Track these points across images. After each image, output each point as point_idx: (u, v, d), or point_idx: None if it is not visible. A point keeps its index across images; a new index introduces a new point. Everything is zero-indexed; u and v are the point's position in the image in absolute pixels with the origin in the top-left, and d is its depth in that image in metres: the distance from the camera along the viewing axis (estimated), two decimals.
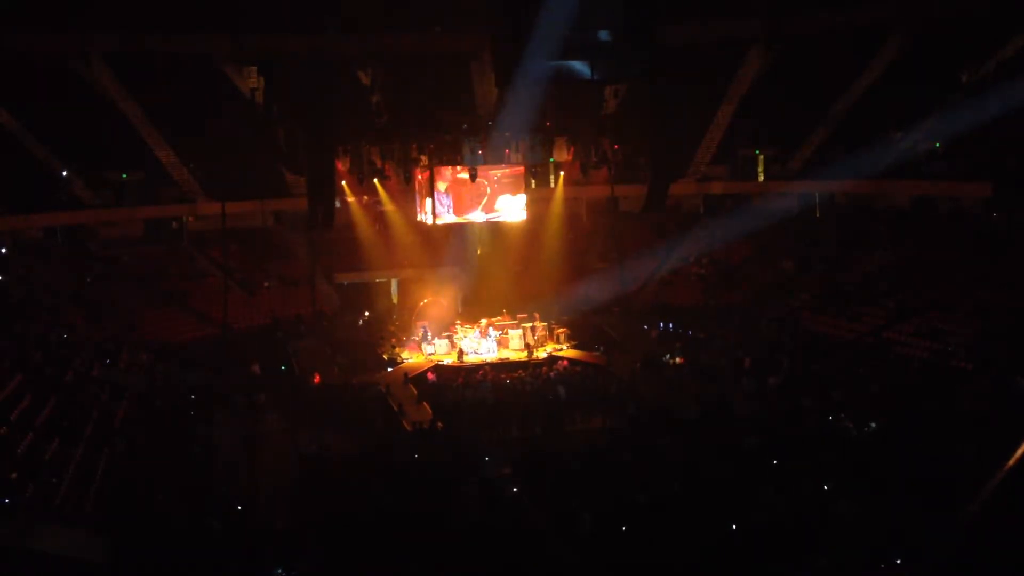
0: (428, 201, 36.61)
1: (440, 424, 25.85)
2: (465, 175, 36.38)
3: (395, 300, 42.47)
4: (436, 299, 36.19)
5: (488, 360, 32.86)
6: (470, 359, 32.94)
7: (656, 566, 16.09)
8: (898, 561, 14.89)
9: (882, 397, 25.60)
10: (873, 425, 23.52)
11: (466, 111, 41.21)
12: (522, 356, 33.20)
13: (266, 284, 40.49)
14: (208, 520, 18.86)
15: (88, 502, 19.88)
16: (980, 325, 28.58)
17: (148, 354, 33.11)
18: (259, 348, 34.10)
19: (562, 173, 41.63)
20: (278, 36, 38.45)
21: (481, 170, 36.39)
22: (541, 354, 33.41)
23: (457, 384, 30.68)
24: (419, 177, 37.50)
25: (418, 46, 42.49)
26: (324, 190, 35.92)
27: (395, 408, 27.52)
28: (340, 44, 39.24)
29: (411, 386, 30.21)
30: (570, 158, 40.65)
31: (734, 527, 17.09)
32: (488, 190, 36.87)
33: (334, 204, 37.90)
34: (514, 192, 37.25)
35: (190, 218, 44.32)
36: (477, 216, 37.24)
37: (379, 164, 38.59)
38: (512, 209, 37.44)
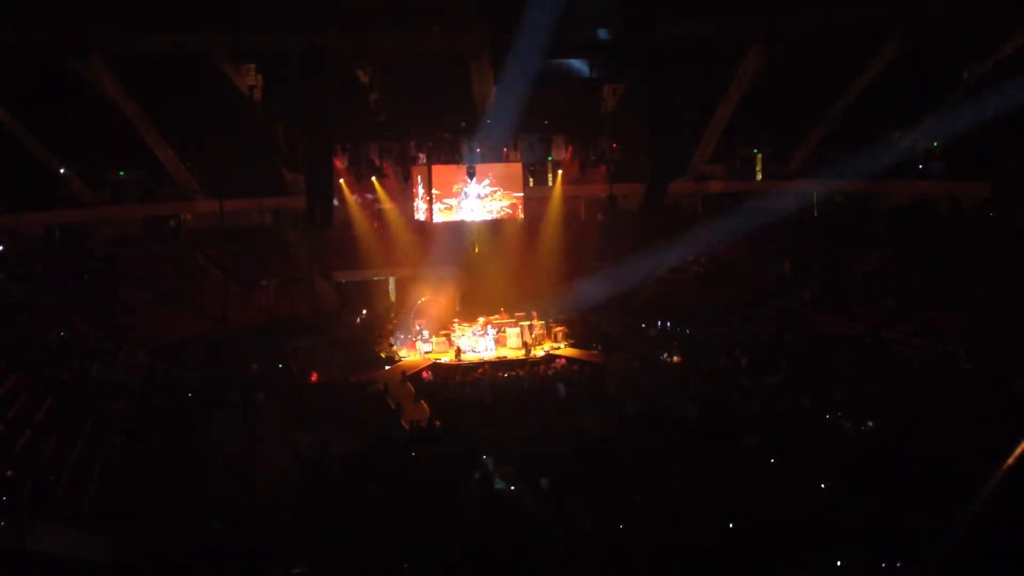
0: (426, 199, 36.58)
1: (438, 423, 25.86)
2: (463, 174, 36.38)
3: (393, 298, 42.44)
4: (434, 297, 36.20)
5: (486, 358, 32.90)
6: (468, 357, 32.98)
7: (655, 565, 16.09)
8: (898, 562, 14.90)
9: (881, 397, 25.61)
10: (871, 424, 23.54)
11: (464, 110, 41.16)
12: (519, 355, 33.24)
13: (264, 282, 40.39)
14: (207, 519, 18.84)
15: (86, 501, 19.85)
16: (979, 325, 28.58)
17: (147, 353, 33.05)
18: (257, 347, 34.05)
19: (560, 172, 41.63)
20: (277, 34, 38.34)
21: (479, 168, 36.37)
22: (539, 353, 33.46)
23: (455, 382, 30.70)
24: (417, 175, 37.47)
25: (417, 45, 42.42)
26: (322, 188, 35.89)
27: (393, 407, 27.54)
28: (339, 42, 39.15)
29: (409, 384, 30.26)
30: (568, 157, 40.66)
31: (733, 526, 17.10)
32: (482, 187, 36.87)
33: (332, 202, 37.88)
34: (510, 189, 37.21)
35: (188, 216, 44.26)
36: (475, 214, 37.19)
37: (377, 162, 38.59)
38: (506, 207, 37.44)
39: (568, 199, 44.49)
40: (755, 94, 43.35)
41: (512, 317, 34.90)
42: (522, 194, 37.53)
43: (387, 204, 41.37)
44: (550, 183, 42.99)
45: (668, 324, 36.46)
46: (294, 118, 37.78)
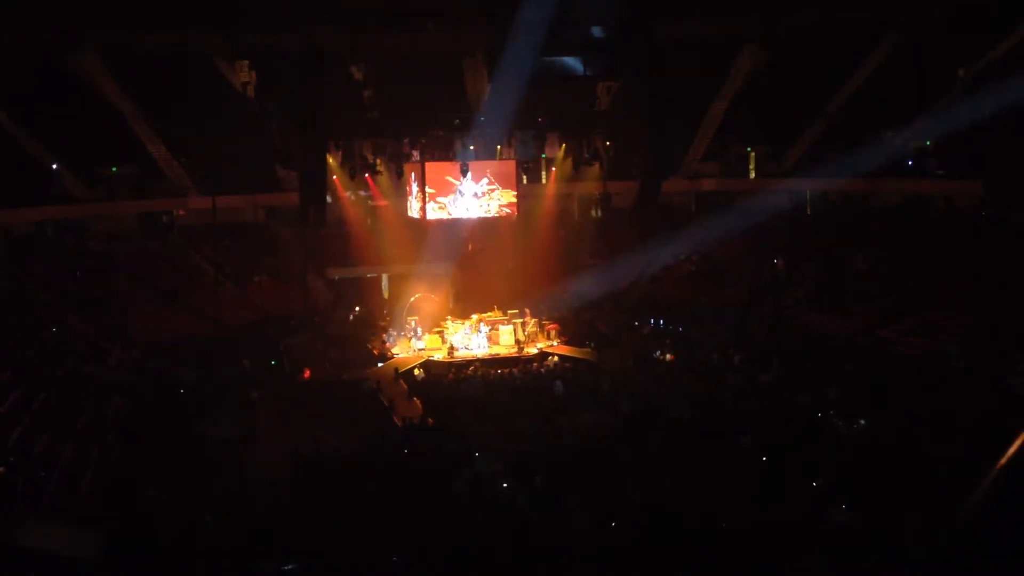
0: (420, 196, 36.55)
1: (431, 420, 25.84)
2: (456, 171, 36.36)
3: (386, 296, 42.42)
4: (427, 295, 36.17)
5: (479, 356, 32.90)
6: (461, 355, 32.97)
7: (648, 563, 16.09)
8: (890, 562, 14.91)
9: (874, 395, 25.65)
10: (863, 423, 23.57)
11: (458, 107, 41.14)
12: (513, 352, 33.25)
13: (257, 279, 40.38)
14: (200, 516, 18.81)
15: (79, 499, 19.80)
16: (973, 323, 28.65)
17: (140, 350, 33.00)
18: (250, 344, 34.05)
19: (554, 169, 41.63)
20: (271, 31, 38.29)
21: (472, 165, 36.35)
22: (532, 350, 33.46)
23: (448, 380, 30.70)
24: (411, 173, 37.44)
25: (412, 42, 42.38)
26: (316, 185, 35.88)
27: (386, 404, 27.52)
28: (333, 39, 39.10)
29: (402, 382, 30.24)
30: (562, 154, 40.67)
31: (726, 526, 17.11)
32: (480, 186, 36.85)
33: (325, 199, 37.85)
34: (505, 187, 37.20)
35: (181, 213, 44.21)
36: (468, 212, 37.17)
37: (371, 159, 38.54)
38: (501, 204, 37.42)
39: (562, 197, 44.55)
40: (749, 92, 43.39)
41: (505, 314, 34.90)
42: (516, 192, 37.49)
43: (380, 201, 41.33)
44: (544, 181, 43.00)
45: (661, 322, 36.51)
46: (288, 115, 37.73)
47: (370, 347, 34.39)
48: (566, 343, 34.43)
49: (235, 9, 36.76)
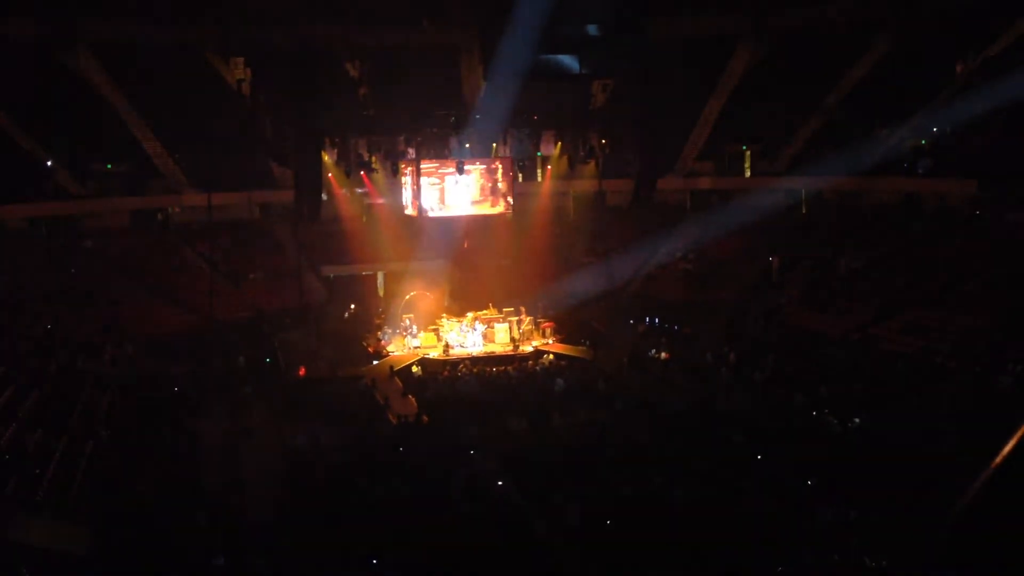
0: (415, 194, 36.54)
1: (425, 418, 25.84)
2: (452, 168, 36.36)
3: (382, 293, 42.38)
4: (422, 292, 36.15)
5: (474, 354, 32.90)
6: (456, 352, 32.97)
7: (641, 560, 16.12)
8: (884, 561, 14.96)
9: (867, 393, 25.70)
10: (857, 421, 23.62)
11: (454, 105, 41.12)
12: (508, 350, 33.26)
13: (252, 276, 40.34)
14: (193, 513, 18.81)
15: (72, 494, 19.79)
16: (965, 322, 28.70)
17: (133, 346, 32.95)
18: (245, 340, 34.02)
19: (549, 167, 41.63)
20: (266, 27, 38.26)
21: (468, 163, 36.35)
22: (527, 348, 33.46)
23: (443, 377, 30.70)
24: (406, 170, 37.43)
25: (406, 39, 42.37)
26: (311, 182, 35.87)
27: (381, 401, 27.50)
28: (328, 36, 39.09)
29: (397, 379, 30.23)
30: (557, 152, 40.67)
31: (719, 521, 17.14)
32: (476, 184, 36.89)
33: (321, 196, 37.83)
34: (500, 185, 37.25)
35: (176, 209, 44.16)
36: (464, 210, 37.20)
37: (366, 156, 38.52)
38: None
39: (557, 195, 44.53)
40: (744, 90, 43.44)
41: (500, 312, 34.89)
42: (512, 189, 37.53)
43: (375, 198, 41.30)
44: (539, 179, 42.98)
45: (656, 320, 36.50)
46: (283, 112, 37.73)
47: (365, 345, 34.36)
48: (561, 341, 34.43)
49: (226, 3, 36.76)
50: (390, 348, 33.91)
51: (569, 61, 32.39)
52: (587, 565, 16.63)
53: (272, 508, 19.62)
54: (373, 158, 38.53)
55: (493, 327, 34.21)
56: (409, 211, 37.81)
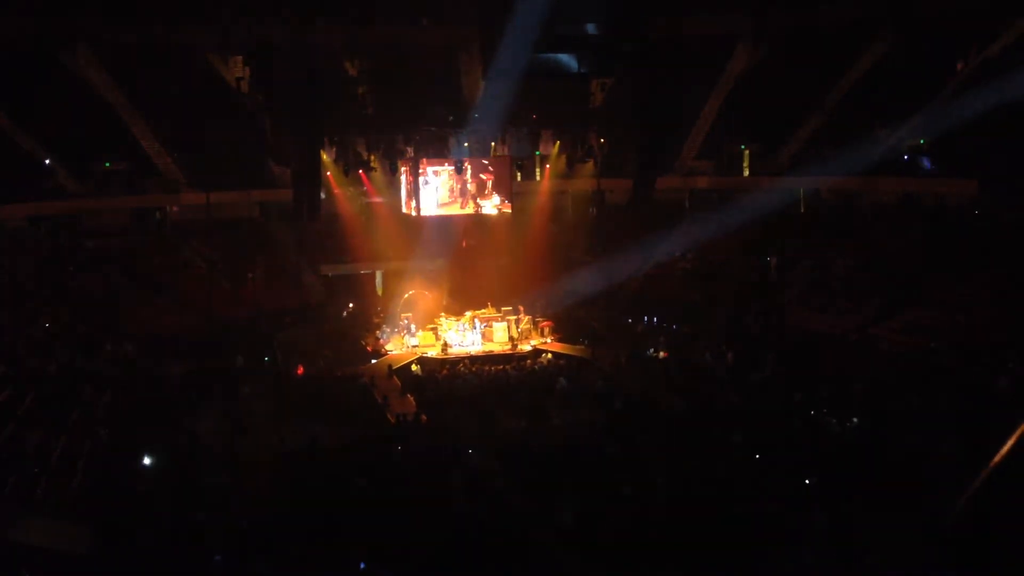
0: (414, 193, 36.54)
1: (424, 417, 25.85)
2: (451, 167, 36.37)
3: (380, 292, 42.39)
4: (421, 291, 36.16)
5: (472, 353, 32.92)
6: (454, 351, 32.98)
7: (639, 560, 16.12)
8: (879, 561, 14.96)
9: (866, 393, 25.71)
10: (856, 421, 23.63)
11: (453, 103, 41.14)
12: (506, 349, 33.27)
13: (251, 275, 40.28)
14: (193, 512, 18.80)
15: (71, 493, 19.78)
16: (964, 322, 28.71)
17: (132, 345, 32.93)
18: (243, 340, 33.99)
19: (548, 166, 41.64)
20: (265, 26, 38.27)
21: (467, 162, 36.36)
22: (525, 347, 33.47)
23: (441, 376, 30.71)
24: (405, 169, 37.42)
25: (405, 38, 42.38)
26: (310, 181, 35.87)
27: (379, 400, 27.50)
28: (327, 35, 39.08)
29: (395, 378, 30.23)
30: (556, 151, 40.68)
31: (717, 521, 17.14)
32: (473, 184, 36.87)
33: (320, 195, 37.83)
34: (499, 185, 37.24)
35: (174, 208, 44.13)
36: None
37: (365, 155, 38.52)
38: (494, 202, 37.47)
39: (556, 194, 44.54)
40: (743, 90, 43.45)
41: (499, 311, 34.90)
42: (510, 189, 37.55)
43: (374, 197, 41.30)
44: (538, 178, 42.99)
45: (655, 319, 36.52)
46: (282, 110, 37.72)
47: (364, 343, 34.37)
48: (560, 340, 34.44)
49: (225, 1, 36.73)
50: (389, 347, 33.92)
51: (568, 60, 32.34)
52: (585, 565, 16.63)
53: (271, 507, 19.60)
54: (372, 157, 38.53)
55: (492, 326, 34.22)
56: (407, 210, 37.81)
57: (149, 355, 32.33)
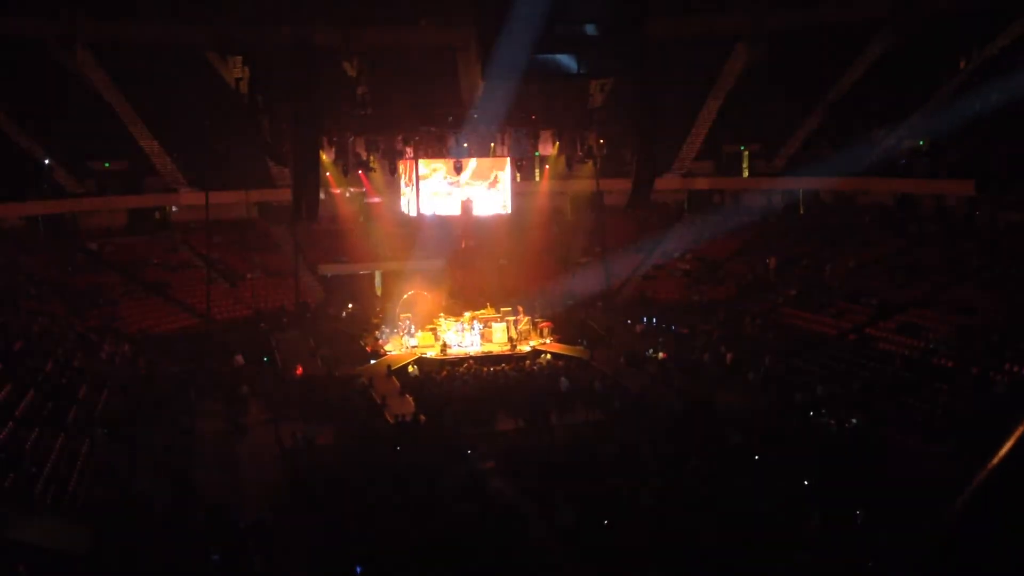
0: (413, 193, 36.54)
1: (423, 417, 25.84)
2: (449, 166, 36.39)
3: (379, 292, 42.37)
4: (420, 292, 36.14)
5: (471, 353, 32.88)
6: (453, 352, 32.95)
7: (637, 557, 16.13)
8: (880, 562, 14.96)
9: (864, 394, 25.73)
10: (854, 421, 23.65)
11: (452, 104, 41.13)
12: (505, 350, 33.25)
13: (249, 275, 40.33)
14: (191, 511, 18.80)
15: (69, 493, 19.77)
16: (962, 322, 28.71)
17: (130, 344, 32.93)
18: (242, 339, 33.99)
19: (547, 167, 41.61)
20: (264, 26, 38.28)
21: (466, 163, 36.37)
22: (524, 348, 33.45)
23: (440, 377, 30.69)
24: (404, 169, 37.42)
25: (404, 38, 42.39)
26: (309, 181, 35.78)
27: (378, 401, 27.48)
28: (326, 35, 39.10)
29: (394, 379, 30.20)
30: (555, 152, 40.66)
31: (715, 521, 17.15)
32: (472, 184, 36.91)
33: (318, 195, 37.78)
34: (497, 186, 37.27)
35: (173, 208, 44.13)
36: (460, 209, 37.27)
37: (364, 156, 38.50)
38: (494, 203, 37.47)
39: (555, 194, 44.53)
40: (742, 91, 43.47)
41: (498, 312, 34.88)
42: (508, 190, 37.56)
43: (373, 198, 41.29)
44: (537, 178, 42.98)
45: (653, 320, 36.52)
46: (281, 111, 37.70)
47: (363, 344, 34.34)
48: (559, 341, 34.41)
49: (224, 2, 36.73)
50: (388, 348, 33.89)
51: (567, 61, 32.32)
52: (583, 565, 16.64)
53: (269, 507, 19.61)
54: (371, 157, 38.50)
55: (491, 327, 34.19)
56: (406, 210, 37.82)
57: (147, 355, 32.34)
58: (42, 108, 39.16)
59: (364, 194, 41.63)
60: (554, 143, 40.40)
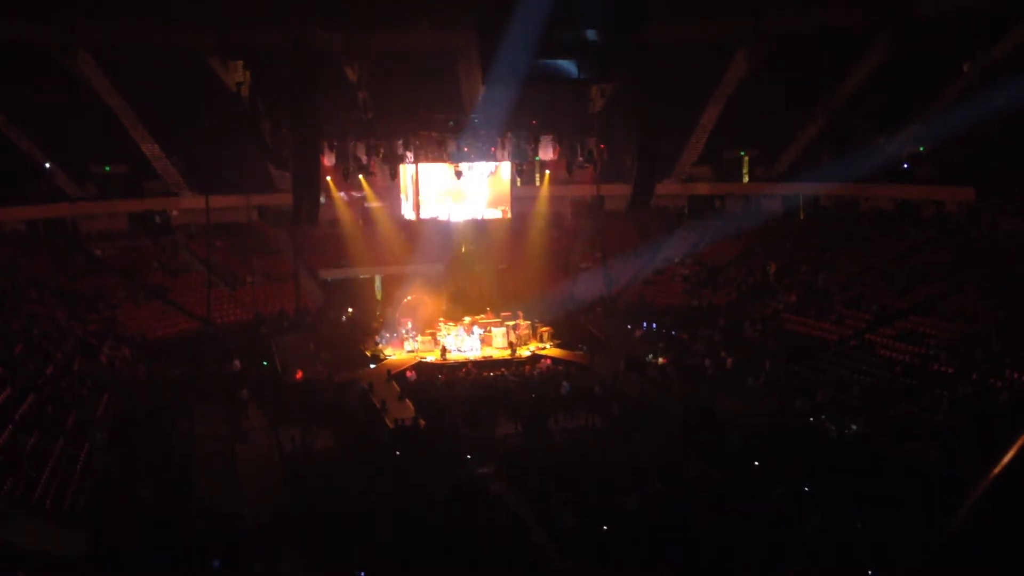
0: (413, 197, 36.55)
1: (422, 421, 25.82)
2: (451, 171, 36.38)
3: (379, 297, 42.34)
4: (420, 296, 36.14)
5: (471, 358, 32.88)
6: (453, 357, 32.94)
7: (636, 562, 16.11)
8: (876, 570, 14.94)
9: (864, 400, 25.70)
10: (855, 427, 23.63)
11: (452, 108, 41.11)
12: (505, 354, 33.23)
13: (249, 279, 40.32)
14: (190, 515, 18.78)
15: (68, 497, 19.76)
16: (962, 329, 28.70)
17: (130, 348, 32.92)
18: (242, 344, 33.97)
19: (547, 172, 41.62)
20: (264, 30, 38.27)
21: (466, 167, 36.37)
22: (524, 352, 33.43)
23: (440, 381, 30.68)
24: (404, 173, 37.42)
25: (405, 42, 42.39)
26: (309, 185, 35.77)
27: (378, 405, 27.47)
28: (327, 39, 39.10)
29: (394, 383, 30.18)
30: (556, 157, 40.63)
31: (715, 526, 17.14)
32: (472, 187, 36.90)
33: (319, 199, 37.78)
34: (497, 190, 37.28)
35: (174, 212, 44.13)
36: (461, 213, 37.23)
37: (364, 160, 38.48)
38: (495, 207, 37.50)
39: (555, 199, 44.54)
40: (742, 96, 43.47)
41: (498, 317, 34.89)
42: (508, 193, 37.56)
43: (374, 202, 41.29)
44: (537, 183, 42.98)
45: (653, 325, 36.50)
46: (281, 115, 37.69)
47: (362, 348, 34.33)
48: (559, 346, 34.41)
49: (225, 5, 36.71)
50: (387, 352, 33.87)
51: (568, 66, 32.31)
52: (582, 569, 16.62)
53: (269, 511, 19.59)
54: (371, 161, 38.49)
55: (491, 331, 34.20)
56: (407, 214, 37.82)
57: (147, 359, 32.33)
58: (43, 112, 39.14)
59: (364, 198, 41.63)
60: (554, 148, 40.39)
